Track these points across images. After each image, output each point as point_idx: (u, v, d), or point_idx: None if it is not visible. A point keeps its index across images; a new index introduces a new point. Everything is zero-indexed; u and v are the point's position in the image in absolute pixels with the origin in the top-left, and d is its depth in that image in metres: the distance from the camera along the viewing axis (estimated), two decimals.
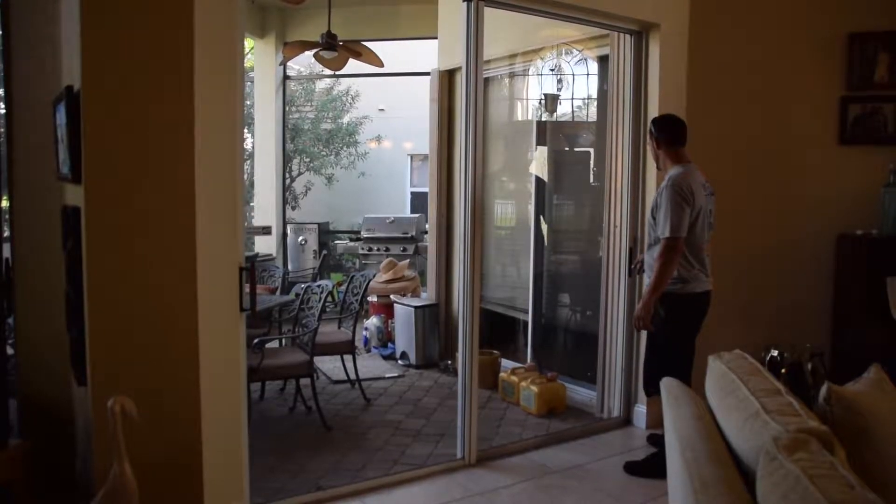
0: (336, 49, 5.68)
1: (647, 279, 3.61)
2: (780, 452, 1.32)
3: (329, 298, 4.59)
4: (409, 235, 8.05)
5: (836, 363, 4.16)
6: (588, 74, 5.18)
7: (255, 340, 4.06)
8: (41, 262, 3.35)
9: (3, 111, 3.60)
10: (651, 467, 3.54)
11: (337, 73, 7.79)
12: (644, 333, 3.85)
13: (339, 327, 5.29)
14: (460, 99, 5.48)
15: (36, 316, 3.46)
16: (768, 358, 4.00)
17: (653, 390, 3.55)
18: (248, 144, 8.83)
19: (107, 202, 2.57)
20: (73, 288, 2.76)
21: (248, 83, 8.43)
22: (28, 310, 3.51)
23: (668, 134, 3.57)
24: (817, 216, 4.34)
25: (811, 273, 4.36)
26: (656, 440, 3.76)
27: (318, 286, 4.61)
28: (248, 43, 8.03)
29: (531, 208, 5.43)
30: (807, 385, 3.88)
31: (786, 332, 4.21)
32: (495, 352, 5.24)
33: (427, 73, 6.07)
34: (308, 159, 10.29)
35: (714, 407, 1.85)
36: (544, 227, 5.32)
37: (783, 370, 3.92)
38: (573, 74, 5.20)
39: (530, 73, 5.47)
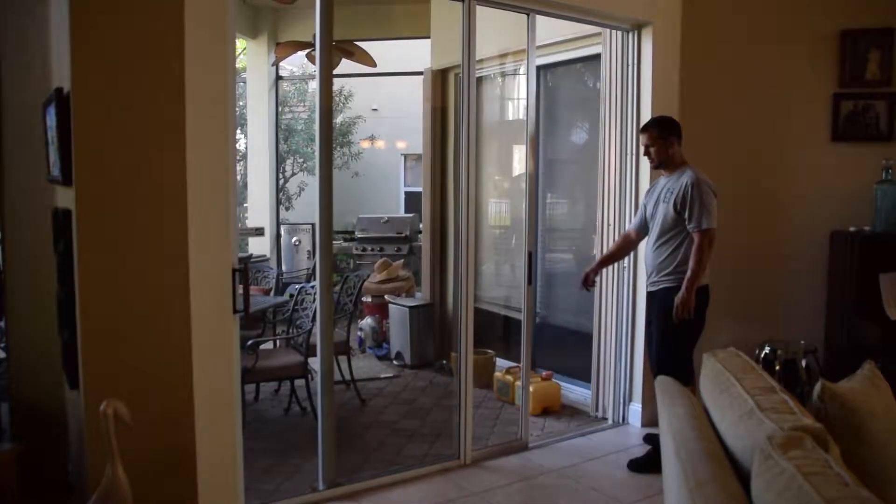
0: None
1: (653, 277, 3.66)
2: (775, 450, 1.32)
3: None
4: (403, 235, 8.04)
5: (830, 360, 4.16)
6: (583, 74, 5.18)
7: (250, 342, 4.05)
8: (32, 264, 3.33)
9: None
10: (654, 463, 3.58)
11: None
12: (642, 328, 3.96)
13: (334, 328, 5.27)
14: (454, 98, 5.48)
15: (27, 319, 3.44)
16: (762, 355, 4.00)
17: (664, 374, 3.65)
18: (241, 145, 8.81)
19: (98, 204, 2.56)
20: (64, 290, 2.74)
21: (241, 84, 8.40)
22: (20, 313, 3.49)
23: (680, 133, 3.67)
24: (810, 213, 4.35)
25: (804, 270, 4.37)
26: (652, 439, 3.76)
27: (313, 287, 4.60)
28: (241, 43, 8.01)
29: (524, 206, 5.43)
30: (801, 382, 3.89)
31: (779, 329, 4.22)
32: (490, 351, 5.24)
33: (420, 73, 6.06)
34: (301, 160, 10.26)
35: (708, 405, 1.85)
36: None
37: (777, 367, 3.93)
38: (527, 71, 5.19)
39: (522, 72, 5.47)
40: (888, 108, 4.23)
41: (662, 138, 3.62)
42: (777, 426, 1.45)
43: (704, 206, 3.45)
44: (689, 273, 3.49)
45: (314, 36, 5.55)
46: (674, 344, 3.61)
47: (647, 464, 3.63)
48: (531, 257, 3.95)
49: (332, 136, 3.21)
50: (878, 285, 3.98)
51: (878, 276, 4.00)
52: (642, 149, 3.76)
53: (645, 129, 3.72)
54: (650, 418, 4.11)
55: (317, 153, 3.23)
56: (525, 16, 3.87)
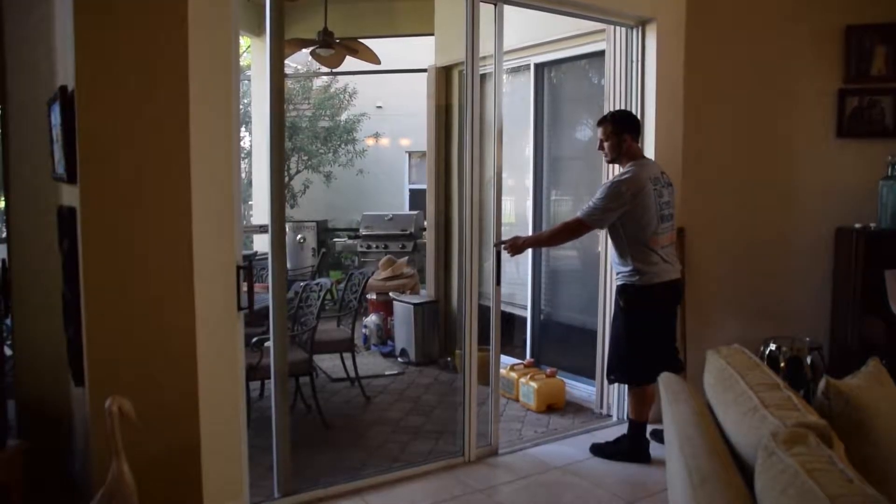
0: (333, 46, 5.68)
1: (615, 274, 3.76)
2: (779, 447, 1.32)
3: (328, 296, 4.60)
4: (408, 232, 8.05)
5: (835, 357, 4.15)
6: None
7: (254, 339, 4.06)
8: (38, 262, 3.35)
9: None
10: (618, 451, 3.75)
11: (334, 70, 7.78)
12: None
13: (339, 325, 5.29)
14: (458, 95, 5.47)
15: (33, 316, 3.46)
16: (767, 352, 3.99)
17: (615, 378, 3.83)
18: (245, 143, 8.82)
19: (102, 202, 2.57)
20: (69, 288, 2.75)
21: (246, 81, 8.41)
22: (25, 310, 3.51)
23: (636, 128, 3.68)
24: (815, 210, 4.33)
25: (809, 267, 4.36)
26: (657, 435, 3.76)
27: (317, 284, 4.61)
28: (245, 41, 8.01)
29: (529, 204, 5.43)
30: (805, 379, 3.88)
31: (784, 326, 4.21)
32: None
33: (424, 70, 6.05)
34: (306, 157, 10.27)
35: (712, 402, 1.84)
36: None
37: (782, 364, 3.92)
38: (494, 62, 5.17)
39: (520, 70, 5.45)
40: (894, 104, 4.20)
41: (616, 134, 3.62)
42: (781, 423, 1.44)
43: (598, 202, 3.50)
44: (534, 235, 3.67)
45: (318, 33, 5.58)
46: (620, 345, 3.69)
47: (609, 450, 3.75)
48: (500, 256, 3.79)
49: (283, 130, 3.13)
50: (883, 282, 3.97)
51: (883, 273, 3.98)
52: (597, 143, 3.75)
53: (600, 123, 3.72)
54: (654, 415, 4.10)
55: (267, 146, 3.09)
56: (493, 6, 3.71)
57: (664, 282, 3.58)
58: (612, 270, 4.32)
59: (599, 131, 3.69)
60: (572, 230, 3.61)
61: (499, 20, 3.75)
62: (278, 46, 3.17)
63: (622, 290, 3.63)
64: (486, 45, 3.70)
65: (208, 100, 2.70)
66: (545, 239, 3.81)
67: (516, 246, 3.71)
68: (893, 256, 4.00)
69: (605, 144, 3.66)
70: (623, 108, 4.24)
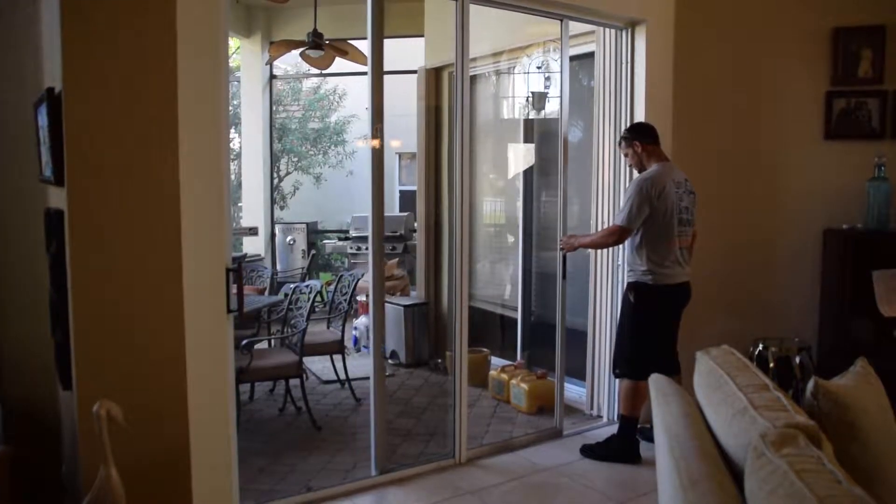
0: (322, 48, 5.65)
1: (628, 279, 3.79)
2: (768, 448, 1.32)
3: (318, 298, 4.58)
4: (398, 234, 8.03)
5: (823, 357, 4.17)
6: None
7: (244, 342, 4.04)
8: (25, 265, 3.32)
9: None
10: (609, 451, 3.78)
11: (324, 71, 7.76)
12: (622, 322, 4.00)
13: (329, 327, 5.27)
14: (448, 96, 5.47)
15: (20, 320, 3.43)
16: (756, 353, 4.01)
17: (619, 372, 3.88)
18: (235, 144, 8.79)
19: (90, 204, 2.54)
20: (57, 291, 2.73)
21: (235, 83, 8.38)
22: (12, 314, 3.47)
23: (649, 135, 3.75)
24: (803, 211, 4.36)
25: (798, 267, 4.38)
26: (646, 434, 3.77)
27: (307, 286, 4.59)
28: (234, 42, 7.99)
29: (519, 205, 5.43)
30: (794, 379, 3.90)
31: (773, 326, 4.23)
32: (485, 350, 5.24)
33: (414, 72, 6.05)
34: (296, 159, 10.25)
35: (702, 403, 1.85)
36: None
37: (771, 365, 3.94)
38: (560, 72, 5.18)
39: (516, 70, 5.46)
40: (880, 106, 4.23)
41: (629, 146, 3.77)
42: (770, 423, 1.45)
43: (626, 203, 3.61)
44: (583, 238, 3.92)
45: (308, 34, 5.56)
46: (624, 339, 3.77)
47: (600, 451, 3.78)
48: (564, 254, 4.09)
49: (382, 129, 3.33)
50: (871, 283, 3.99)
51: (870, 274, 4.01)
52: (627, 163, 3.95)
53: (619, 145, 3.90)
54: (645, 416, 4.11)
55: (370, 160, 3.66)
56: (559, 21, 4.06)
57: (676, 284, 3.65)
58: (606, 268, 4.36)
59: (621, 153, 3.90)
60: (616, 234, 3.68)
61: (564, 34, 4.03)
62: (378, 48, 3.57)
63: (633, 287, 3.68)
64: (475, 47, 3.70)
65: (197, 101, 2.68)
66: (597, 242, 3.95)
67: (571, 245, 3.92)
68: (881, 257, 4.03)
69: (627, 160, 3.84)
70: (612, 109, 4.28)
